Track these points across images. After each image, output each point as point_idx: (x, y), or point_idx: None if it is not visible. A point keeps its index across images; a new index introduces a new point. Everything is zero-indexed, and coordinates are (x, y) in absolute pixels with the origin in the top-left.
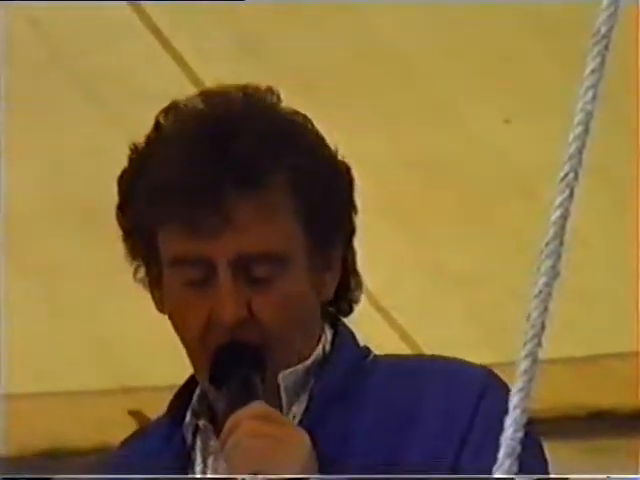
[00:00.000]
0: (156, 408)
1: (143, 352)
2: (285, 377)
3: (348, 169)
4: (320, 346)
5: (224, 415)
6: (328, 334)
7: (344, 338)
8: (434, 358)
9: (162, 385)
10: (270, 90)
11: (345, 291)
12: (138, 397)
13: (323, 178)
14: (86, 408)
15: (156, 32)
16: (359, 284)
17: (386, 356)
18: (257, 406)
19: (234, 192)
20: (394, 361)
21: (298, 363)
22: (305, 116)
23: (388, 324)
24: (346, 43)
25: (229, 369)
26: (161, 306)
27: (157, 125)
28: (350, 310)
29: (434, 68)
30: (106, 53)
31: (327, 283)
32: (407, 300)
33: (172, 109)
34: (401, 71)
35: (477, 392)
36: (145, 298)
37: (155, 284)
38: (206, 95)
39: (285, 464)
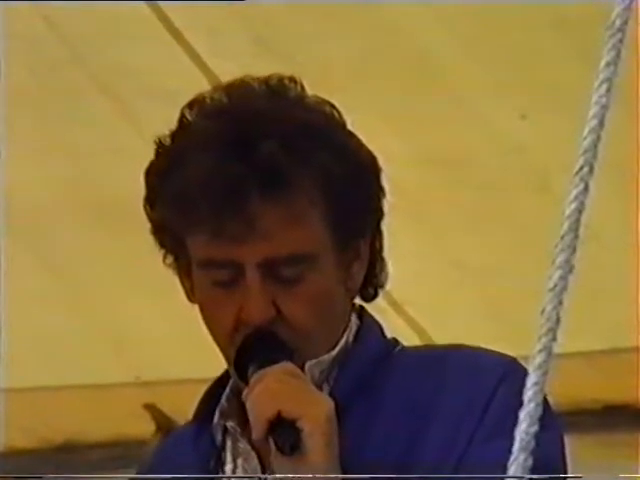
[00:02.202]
0: (172, 401)
1: (159, 346)
2: (311, 367)
3: (374, 157)
4: (345, 336)
5: None
6: (354, 325)
7: (370, 329)
8: (460, 347)
9: (178, 379)
10: (293, 80)
11: (371, 277)
12: (154, 390)
13: (351, 173)
14: (102, 401)
15: (171, 28)
16: (384, 267)
17: (414, 347)
18: (285, 364)
19: (260, 196)
20: (421, 352)
21: (325, 354)
22: (332, 105)
23: (403, 319)
24: (362, 40)
25: (256, 353)
26: (191, 296)
27: (182, 120)
28: (375, 294)
29: (451, 64)
30: (121, 50)
31: (355, 274)
32: (423, 295)
33: (196, 103)
34: (418, 67)
35: (497, 378)
36: (162, 292)
37: (185, 275)
38: (230, 89)
39: (311, 410)
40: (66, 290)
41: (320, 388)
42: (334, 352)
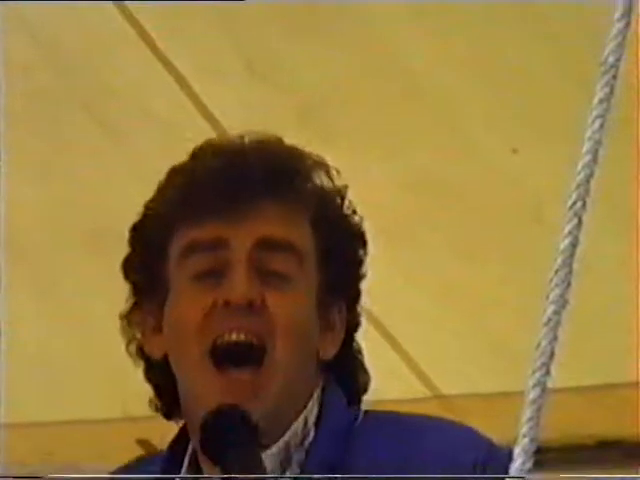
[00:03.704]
0: (164, 437)
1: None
2: (268, 457)
3: (364, 241)
4: (301, 418)
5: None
6: (315, 405)
7: (333, 405)
8: (424, 420)
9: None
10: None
11: (343, 353)
12: (145, 426)
13: (348, 239)
14: (94, 436)
15: (159, 54)
16: (358, 350)
17: (377, 413)
18: None
19: (261, 194)
20: (385, 420)
21: (285, 425)
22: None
23: (395, 351)
24: (353, 64)
25: (222, 441)
26: (158, 348)
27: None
28: (346, 374)
29: (443, 93)
30: (111, 75)
31: (328, 342)
32: (414, 327)
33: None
34: (409, 95)
35: (471, 464)
36: None
37: (155, 328)
38: (219, 152)
39: None
40: (57, 322)
41: (283, 473)
42: (285, 437)
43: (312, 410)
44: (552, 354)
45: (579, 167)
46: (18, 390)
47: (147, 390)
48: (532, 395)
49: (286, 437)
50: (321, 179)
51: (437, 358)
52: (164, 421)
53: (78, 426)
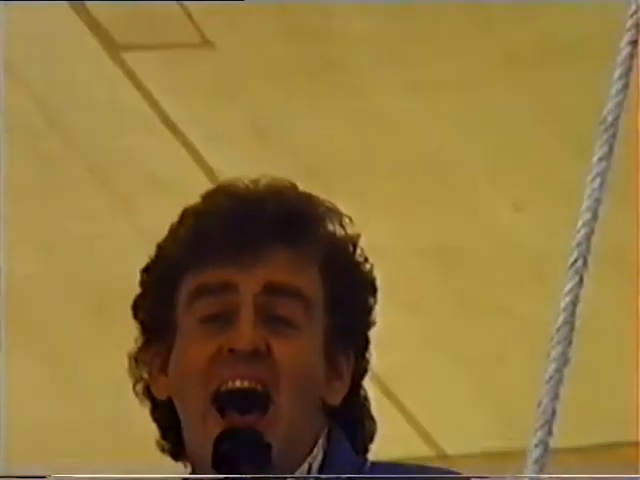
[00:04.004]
0: None
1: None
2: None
3: (375, 289)
4: (306, 464)
5: None
6: (320, 451)
7: (339, 448)
8: (429, 471)
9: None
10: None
11: (350, 400)
12: None
13: (357, 284)
14: None
15: (165, 119)
16: (365, 401)
17: (384, 464)
18: None
19: (272, 239)
20: (392, 468)
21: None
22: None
23: (398, 410)
24: (357, 128)
25: (235, 458)
26: (163, 389)
27: (206, 196)
28: (353, 422)
29: (444, 155)
30: (117, 139)
31: (335, 389)
32: (418, 386)
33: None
34: (411, 158)
35: None
36: None
37: (161, 369)
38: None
39: None
40: (64, 380)
41: None
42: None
43: (317, 457)
44: (554, 412)
45: (579, 225)
46: (30, 446)
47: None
48: (535, 454)
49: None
50: (333, 226)
51: (440, 417)
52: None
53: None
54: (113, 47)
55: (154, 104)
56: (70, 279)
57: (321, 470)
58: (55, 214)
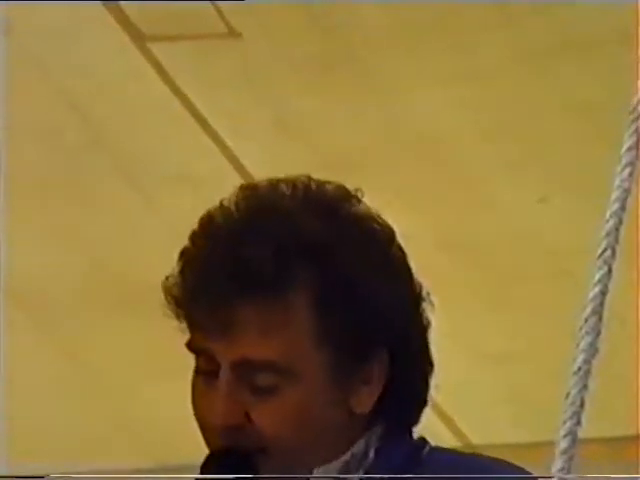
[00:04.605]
0: None
1: (179, 431)
2: (321, 474)
3: (411, 278)
4: (362, 442)
5: None
6: (378, 429)
7: (397, 433)
8: (492, 459)
9: (198, 464)
10: (344, 191)
11: (396, 405)
12: (178, 475)
13: (355, 299)
14: None
15: (192, 110)
16: (421, 401)
17: (442, 449)
18: None
19: (238, 297)
20: (450, 456)
21: (328, 460)
22: (379, 222)
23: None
24: (379, 122)
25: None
26: None
27: (221, 203)
28: (404, 422)
29: (469, 147)
30: (143, 131)
31: (362, 398)
32: (444, 380)
33: (241, 190)
34: (433, 151)
35: None
36: (181, 377)
37: None
38: (271, 185)
39: None
40: (85, 376)
41: None
42: (344, 458)
43: (373, 434)
44: (582, 403)
45: (607, 215)
46: (52, 441)
47: (182, 441)
48: (563, 445)
49: (345, 457)
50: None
51: (466, 408)
52: (196, 470)
53: (102, 477)
54: (140, 38)
55: (180, 95)
56: (95, 274)
57: (378, 449)
58: (81, 208)
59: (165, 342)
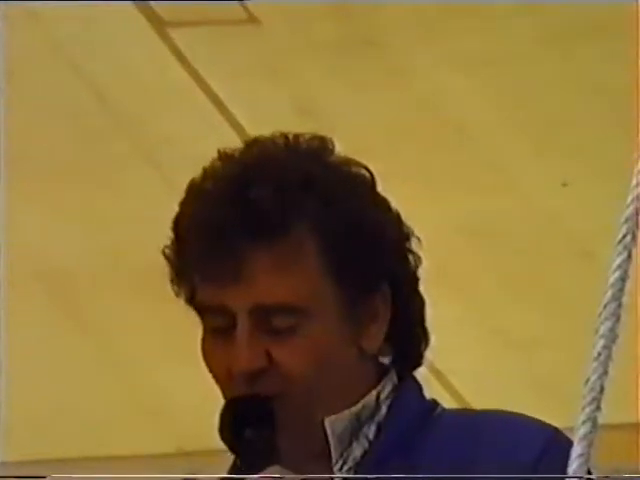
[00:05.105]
0: (213, 473)
1: (201, 415)
2: (332, 422)
3: (400, 221)
4: (374, 393)
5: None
6: (389, 384)
7: (409, 389)
8: (502, 414)
9: (218, 449)
10: (322, 139)
11: (404, 344)
12: (195, 461)
13: (357, 230)
14: (143, 472)
15: (211, 95)
16: (424, 339)
17: (454, 411)
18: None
19: (248, 241)
20: (461, 417)
21: (341, 409)
22: (362, 166)
23: (445, 388)
24: (401, 107)
25: (243, 422)
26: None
27: (204, 171)
28: (413, 363)
29: (491, 131)
30: (163, 116)
31: (371, 334)
32: (465, 365)
33: (221, 154)
34: (455, 134)
35: (536, 454)
36: (200, 360)
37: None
38: (252, 140)
39: None
40: (107, 359)
41: (349, 443)
42: (355, 408)
43: (385, 388)
44: (602, 389)
45: (628, 200)
46: (71, 424)
47: (200, 426)
48: (583, 430)
49: (356, 408)
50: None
51: (483, 392)
52: (217, 456)
53: (131, 461)
54: (160, 24)
55: (200, 80)
56: (117, 258)
57: (391, 404)
58: (102, 191)
59: (184, 326)
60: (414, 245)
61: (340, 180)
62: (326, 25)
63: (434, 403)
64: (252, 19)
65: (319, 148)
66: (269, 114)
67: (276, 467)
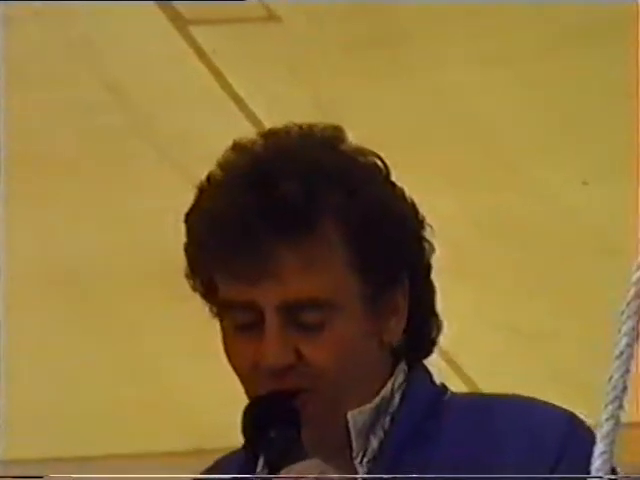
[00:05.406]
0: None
1: (221, 412)
2: (354, 416)
3: (414, 210)
4: (389, 385)
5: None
6: (401, 373)
7: (419, 377)
8: (512, 397)
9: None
10: (336, 129)
11: (418, 333)
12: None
13: (379, 222)
14: (173, 470)
15: (231, 93)
16: (436, 326)
17: (464, 395)
18: (314, 462)
19: (275, 237)
20: (471, 401)
21: (362, 403)
22: (376, 155)
23: (461, 381)
24: (421, 104)
25: (262, 433)
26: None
27: (221, 161)
28: (426, 351)
29: (507, 128)
30: (185, 117)
31: (392, 327)
32: (481, 359)
33: (237, 145)
34: (473, 132)
35: (559, 440)
36: (223, 358)
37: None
38: (269, 131)
39: None
40: (126, 358)
41: (366, 439)
42: (375, 401)
43: (397, 377)
44: (625, 387)
45: None
46: (91, 424)
47: (221, 423)
48: (605, 428)
49: (376, 401)
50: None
51: (500, 386)
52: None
53: (151, 459)
54: (181, 22)
55: (221, 78)
56: (133, 255)
57: (403, 392)
58: (119, 189)
59: (201, 324)
60: (428, 233)
61: (361, 171)
62: (347, 23)
63: (443, 388)
64: (273, 17)
65: (333, 138)
66: (289, 111)
67: (316, 460)
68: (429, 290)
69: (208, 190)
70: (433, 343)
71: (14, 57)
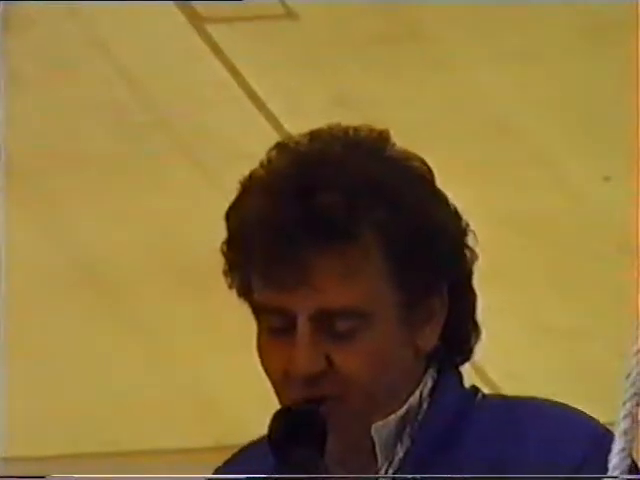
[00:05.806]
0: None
1: (242, 409)
2: (378, 430)
3: (457, 217)
4: (417, 393)
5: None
6: (429, 380)
7: (448, 383)
8: (543, 403)
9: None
10: (381, 134)
11: (454, 340)
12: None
13: (420, 232)
14: (183, 466)
15: (249, 91)
16: (475, 333)
17: (496, 397)
18: None
19: (313, 246)
20: (502, 403)
21: (390, 413)
22: (421, 160)
23: (483, 382)
24: (441, 100)
25: (286, 443)
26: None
27: (263, 161)
28: (462, 359)
29: (530, 125)
30: (201, 112)
31: (427, 334)
32: (505, 356)
33: (280, 145)
34: (496, 128)
35: (584, 449)
36: (243, 355)
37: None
38: (314, 134)
39: None
40: (148, 353)
41: (393, 448)
42: (401, 411)
43: (427, 384)
44: None
45: None
46: (112, 419)
47: (239, 420)
48: (623, 426)
49: (402, 411)
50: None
51: (528, 386)
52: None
53: (170, 455)
54: (199, 20)
55: (238, 76)
56: (155, 253)
57: (431, 399)
58: (140, 188)
59: (225, 321)
60: (471, 239)
61: (404, 180)
62: (364, 20)
63: (474, 390)
64: (290, 15)
65: (378, 143)
66: (308, 109)
67: None
68: (469, 297)
69: (251, 190)
70: (471, 351)
71: (35, 56)
